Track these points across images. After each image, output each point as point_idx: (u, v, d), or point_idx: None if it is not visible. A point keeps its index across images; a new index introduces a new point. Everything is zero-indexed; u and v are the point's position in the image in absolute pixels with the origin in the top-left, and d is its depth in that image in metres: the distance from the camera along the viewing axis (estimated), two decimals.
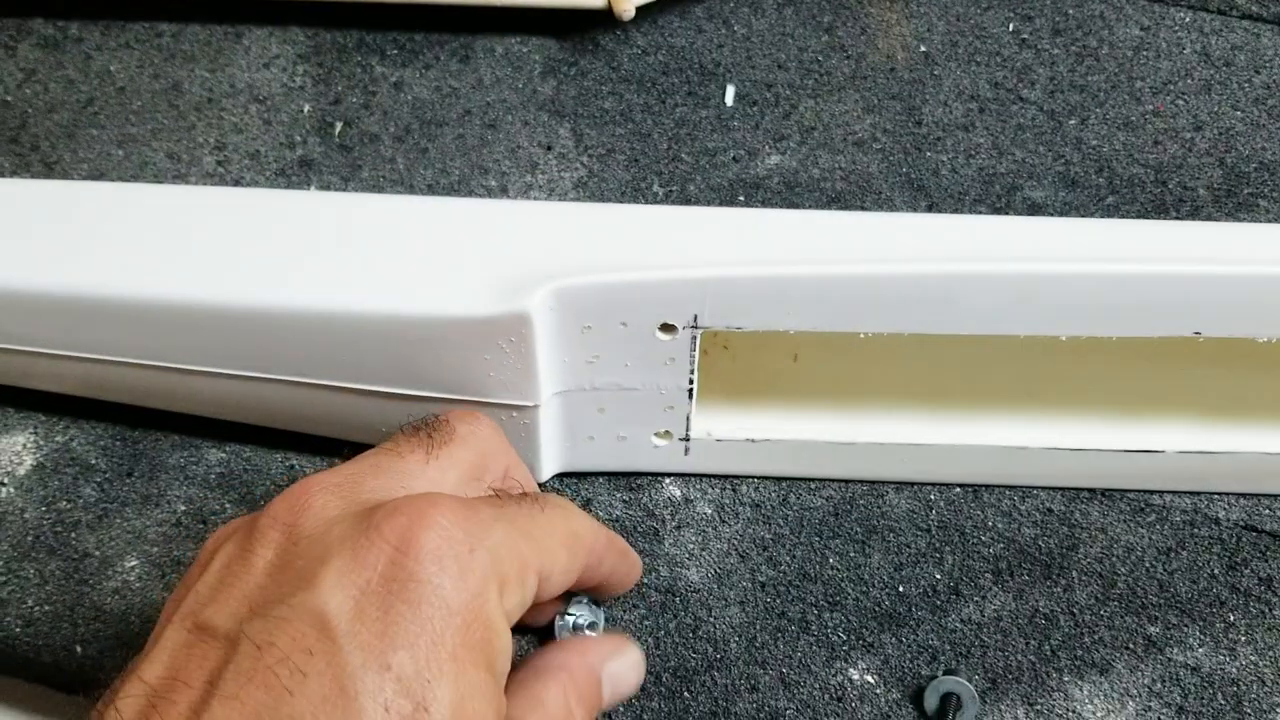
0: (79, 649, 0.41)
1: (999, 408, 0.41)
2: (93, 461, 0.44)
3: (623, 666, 0.33)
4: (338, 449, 0.35)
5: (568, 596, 0.36)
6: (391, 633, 0.25)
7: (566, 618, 0.37)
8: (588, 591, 0.35)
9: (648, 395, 0.38)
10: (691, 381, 0.37)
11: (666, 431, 0.39)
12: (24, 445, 0.44)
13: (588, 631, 0.38)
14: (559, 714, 0.30)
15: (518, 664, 0.31)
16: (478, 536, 0.27)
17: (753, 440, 0.39)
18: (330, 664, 0.24)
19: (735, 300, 0.35)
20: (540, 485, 0.40)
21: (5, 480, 0.44)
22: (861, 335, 0.36)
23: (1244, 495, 0.41)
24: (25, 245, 0.39)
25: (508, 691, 0.29)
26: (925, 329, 0.36)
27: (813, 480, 0.41)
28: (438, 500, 0.27)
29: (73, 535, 0.43)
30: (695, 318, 0.35)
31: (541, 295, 0.35)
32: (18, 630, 0.41)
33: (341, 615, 0.25)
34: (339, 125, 0.50)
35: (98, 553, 0.42)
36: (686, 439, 0.39)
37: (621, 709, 0.37)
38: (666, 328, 0.36)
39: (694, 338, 0.36)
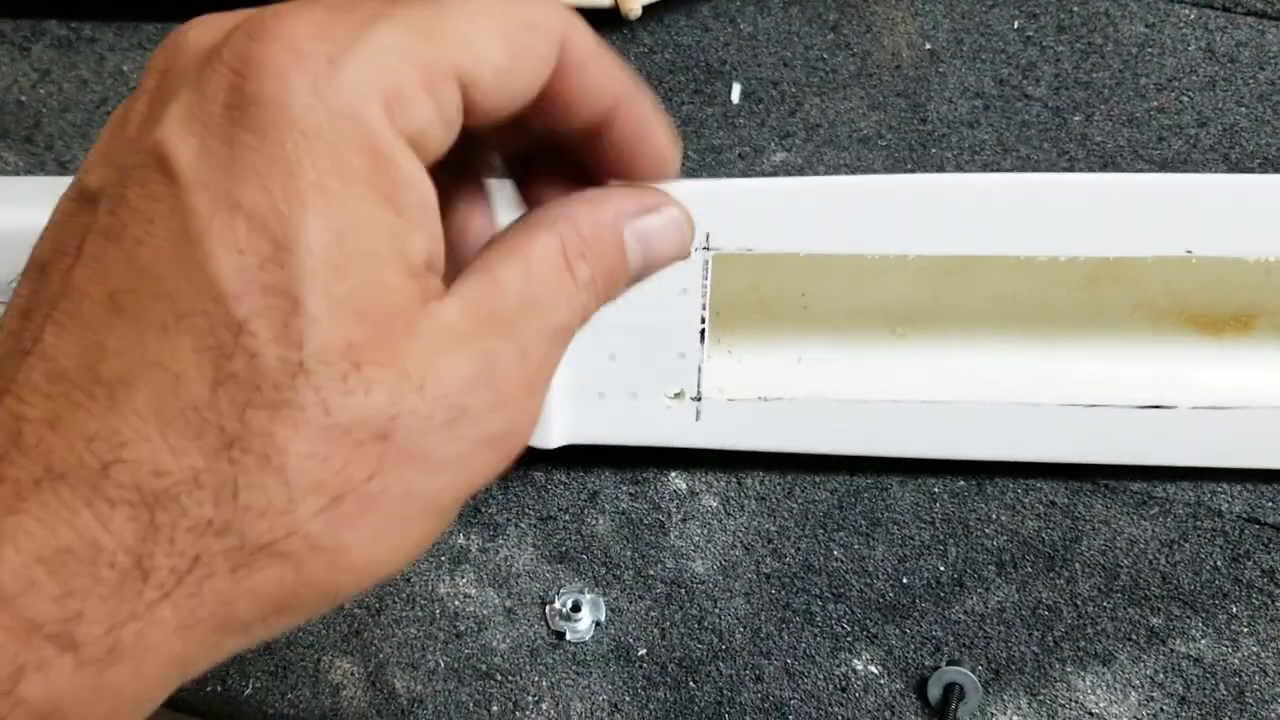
0: None
1: (1013, 371, 0.41)
2: None
3: (656, 224, 0.26)
4: None
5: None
6: (237, 167, 0.21)
7: (557, 602, 0.38)
8: (598, 157, 0.27)
9: (660, 338, 0.38)
10: (703, 320, 0.38)
11: (678, 393, 0.39)
12: None
13: (575, 615, 0.39)
14: (549, 268, 0.24)
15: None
16: (341, 42, 0.21)
17: (765, 399, 0.39)
18: (174, 209, 0.21)
19: (746, 214, 0.36)
20: (548, 454, 0.40)
21: None
22: (869, 257, 0.37)
23: (1246, 488, 0.41)
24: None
25: (487, 245, 0.25)
26: (933, 248, 0.36)
27: (820, 461, 0.41)
28: (287, 7, 0.22)
29: None
30: (708, 236, 0.36)
31: None
32: None
33: (184, 154, 0.21)
34: None
35: None
36: (698, 398, 0.39)
37: (627, 698, 0.38)
38: None
39: (706, 263, 0.37)
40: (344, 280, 0.21)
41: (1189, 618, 0.39)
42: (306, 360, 0.21)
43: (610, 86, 0.25)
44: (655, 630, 0.39)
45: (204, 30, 0.23)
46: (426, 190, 0.22)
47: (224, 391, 0.21)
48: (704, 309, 0.38)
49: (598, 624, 0.39)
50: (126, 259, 0.21)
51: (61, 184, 0.46)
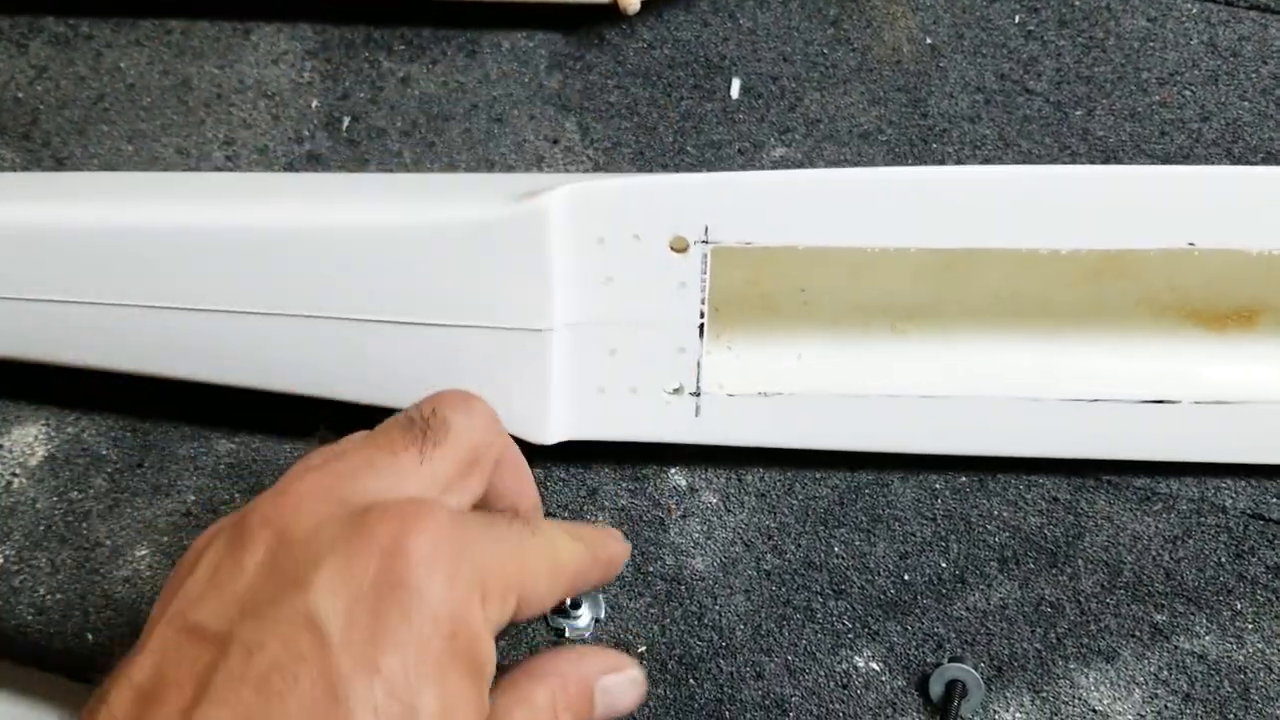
0: (90, 636, 0.41)
1: (1015, 366, 0.41)
2: (103, 452, 0.44)
3: (619, 682, 0.33)
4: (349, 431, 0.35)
5: None
6: (381, 638, 0.25)
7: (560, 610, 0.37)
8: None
9: (659, 333, 0.38)
10: (702, 315, 0.37)
11: (678, 388, 0.39)
12: (35, 437, 0.45)
13: (574, 612, 0.38)
14: (545, 715, 0.30)
15: (512, 665, 0.31)
16: (466, 546, 0.27)
17: (765, 394, 0.39)
18: (322, 669, 0.24)
19: (746, 207, 0.36)
20: (547, 451, 0.40)
21: (18, 471, 0.44)
22: (869, 250, 0.37)
23: (1250, 484, 0.40)
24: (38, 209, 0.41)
25: (497, 689, 0.30)
26: (934, 241, 0.36)
27: (821, 457, 0.41)
28: (429, 507, 0.28)
29: (84, 525, 0.43)
30: (706, 230, 0.36)
31: (558, 196, 0.36)
32: (30, 618, 0.42)
33: (333, 620, 0.25)
34: (346, 120, 0.50)
35: (109, 542, 0.43)
36: (698, 393, 0.39)
37: None
38: (678, 245, 0.36)
39: (705, 256, 0.36)
40: None
41: (1193, 614, 0.38)
42: None
43: (588, 587, 0.35)
44: (655, 627, 0.39)
45: (318, 504, 0.28)
46: (493, 665, 0.28)
47: None
48: (703, 304, 0.37)
49: (597, 621, 0.39)
50: (265, 708, 0.24)
51: (60, 180, 0.46)
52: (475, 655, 0.27)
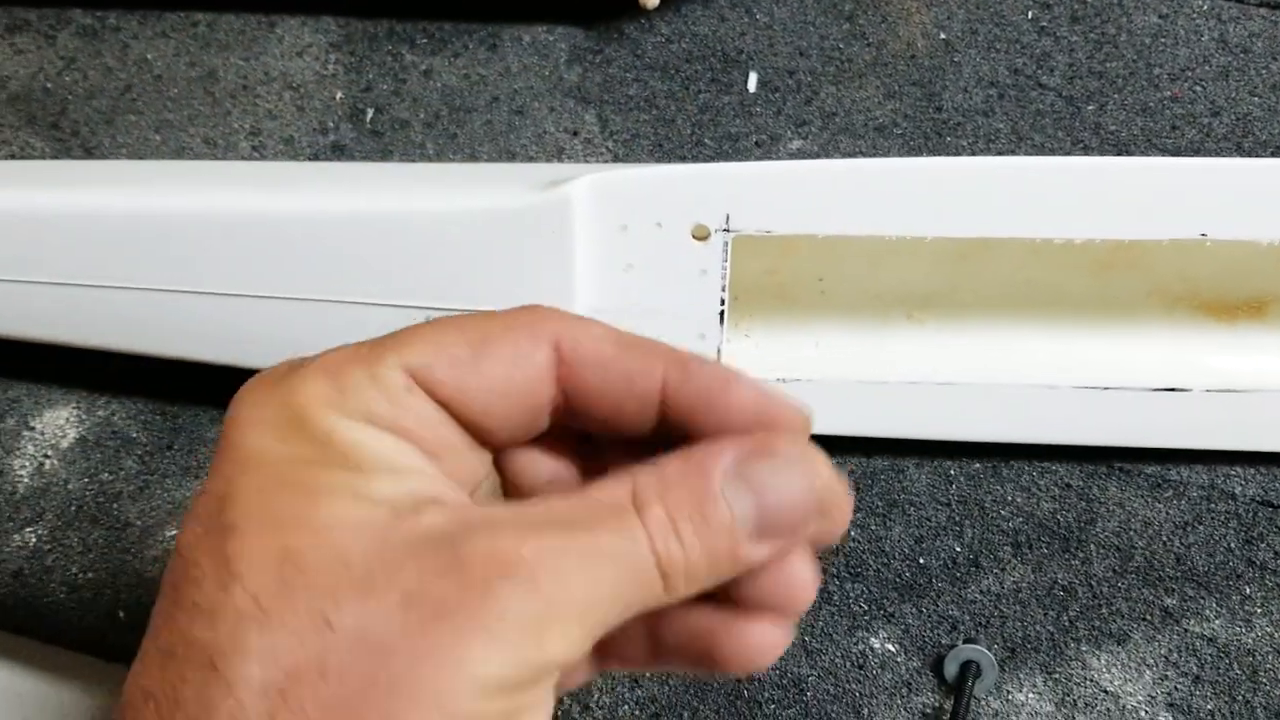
0: (121, 614, 0.42)
1: (1028, 354, 0.42)
2: (134, 435, 0.45)
3: (768, 466, 0.21)
4: None
5: None
6: (208, 483, 0.23)
7: None
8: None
9: (680, 320, 0.39)
10: (723, 303, 0.38)
11: None
12: (67, 420, 0.46)
13: None
14: (607, 507, 0.21)
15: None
16: (308, 369, 0.24)
17: (783, 381, 0.40)
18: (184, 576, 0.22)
19: (767, 196, 0.37)
20: None
21: (49, 453, 0.45)
22: (889, 238, 0.37)
23: (1260, 471, 0.41)
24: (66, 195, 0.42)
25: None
26: (949, 230, 0.37)
27: (838, 442, 0.42)
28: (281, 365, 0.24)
29: (115, 505, 0.44)
30: (728, 218, 0.37)
31: (582, 185, 0.37)
32: (62, 596, 0.43)
33: (185, 529, 0.23)
34: (370, 112, 0.51)
35: (139, 522, 0.44)
36: None
37: (648, 674, 0.38)
38: (700, 234, 0.37)
39: (726, 244, 0.37)
40: (271, 533, 0.21)
41: (1203, 598, 0.39)
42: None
43: (644, 365, 0.23)
44: None
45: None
46: (376, 443, 0.22)
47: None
48: (724, 291, 0.38)
49: None
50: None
51: (88, 167, 0.47)
52: (321, 438, 0.22)
